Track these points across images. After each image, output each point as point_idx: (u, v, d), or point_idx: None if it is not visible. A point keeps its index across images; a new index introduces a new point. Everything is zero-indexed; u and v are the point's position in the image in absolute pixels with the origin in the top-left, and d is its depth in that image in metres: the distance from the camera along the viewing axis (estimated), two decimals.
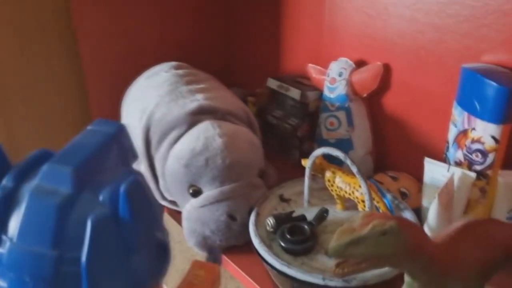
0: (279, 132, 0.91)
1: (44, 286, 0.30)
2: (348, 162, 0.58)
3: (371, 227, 0.40)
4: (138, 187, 0.32)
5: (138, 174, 0.34)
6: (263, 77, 1.01)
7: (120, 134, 0.35)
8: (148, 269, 0.33)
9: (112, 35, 0.97)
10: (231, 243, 0.68)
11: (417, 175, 0.78)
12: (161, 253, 0.35)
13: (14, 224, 0.31)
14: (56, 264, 0.30)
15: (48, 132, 0.98)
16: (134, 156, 0.37)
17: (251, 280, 0.65)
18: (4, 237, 0.31)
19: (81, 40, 0.93)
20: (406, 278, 0.48)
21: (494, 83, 0.59)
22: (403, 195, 0.74)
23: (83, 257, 0.30)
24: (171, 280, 0.44)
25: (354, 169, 0.58)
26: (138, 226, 0.32)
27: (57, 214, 0.30)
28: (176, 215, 0.79)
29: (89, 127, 0.35)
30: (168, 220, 0.82)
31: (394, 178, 0.77)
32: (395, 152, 0.84)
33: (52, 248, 0.30)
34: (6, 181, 0.32)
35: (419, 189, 0.75)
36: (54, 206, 0.30)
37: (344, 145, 0.82)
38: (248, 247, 0.69)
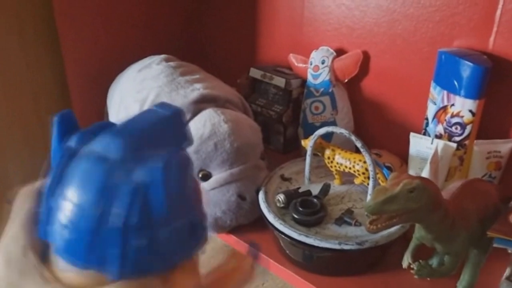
0: (264, 119, 0.96)
1: None
2: (353, 138, 0.65)
3: (401, 185, 0.47)
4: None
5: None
6: (238, 69, 1.05)
7: (176, 117, 0.37)
8: None
9: (92, 29, 0.96)
10: (240, 222, 0.72)
11: (396, 151, 0.86)
12: None
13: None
14: None
15: (28, 126, 0.96)
16: (188, 140, 0.40)
17: (263, 255, 0.70)
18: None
19: (62, 37, 0.92)
20: (419, 233, 0.55)
21: (470, 63, 0.68)
22: (388, 169, 0.82)
23: None
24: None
25: (359, 144, 0.64)
26: None
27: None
28: None
29: (150, 108, 0.37)
30: None
31: (378, 155, 0.85)
32: (375, 132, 0.92)
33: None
34: (70, 142, 0.33)
35: (401, 164, 0.84)
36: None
37: None
38: (253, 226, 0.74)
